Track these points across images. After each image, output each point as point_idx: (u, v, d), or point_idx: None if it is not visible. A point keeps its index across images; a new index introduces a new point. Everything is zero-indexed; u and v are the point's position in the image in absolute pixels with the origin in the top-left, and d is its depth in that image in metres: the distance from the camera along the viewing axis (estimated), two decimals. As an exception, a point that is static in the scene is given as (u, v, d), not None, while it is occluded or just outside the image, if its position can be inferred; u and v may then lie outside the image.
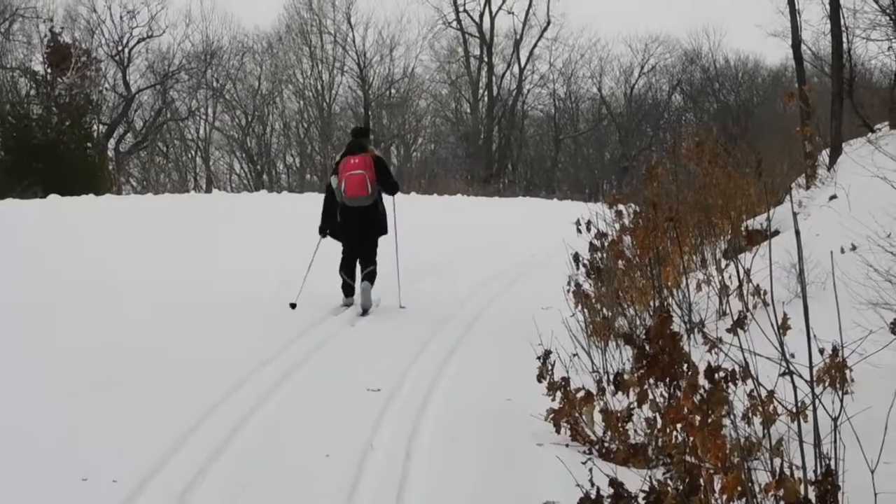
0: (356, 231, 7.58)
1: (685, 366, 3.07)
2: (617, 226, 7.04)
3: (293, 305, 7.26)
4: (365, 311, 7.35)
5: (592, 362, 4.83)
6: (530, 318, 5.78)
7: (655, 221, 5.57)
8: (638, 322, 5.60)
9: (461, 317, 7.27)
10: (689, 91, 40.27)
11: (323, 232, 7.80)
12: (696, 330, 5.50)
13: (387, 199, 7.83)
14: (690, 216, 7.54)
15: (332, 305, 7.44)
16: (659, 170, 6.90)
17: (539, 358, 4.20)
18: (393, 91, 38.84)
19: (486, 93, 39.41)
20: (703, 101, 40.32)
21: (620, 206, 7.36)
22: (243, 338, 6.10)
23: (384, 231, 7.73)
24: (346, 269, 7.66)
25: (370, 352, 6.05)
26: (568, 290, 6.02)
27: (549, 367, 4.18)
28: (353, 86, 38.72)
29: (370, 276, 7.52)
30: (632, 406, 3.71)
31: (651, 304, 5.67)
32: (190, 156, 37.77)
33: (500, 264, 10.14)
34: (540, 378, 4.17)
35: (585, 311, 5.82)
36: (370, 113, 37.56)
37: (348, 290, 7.61)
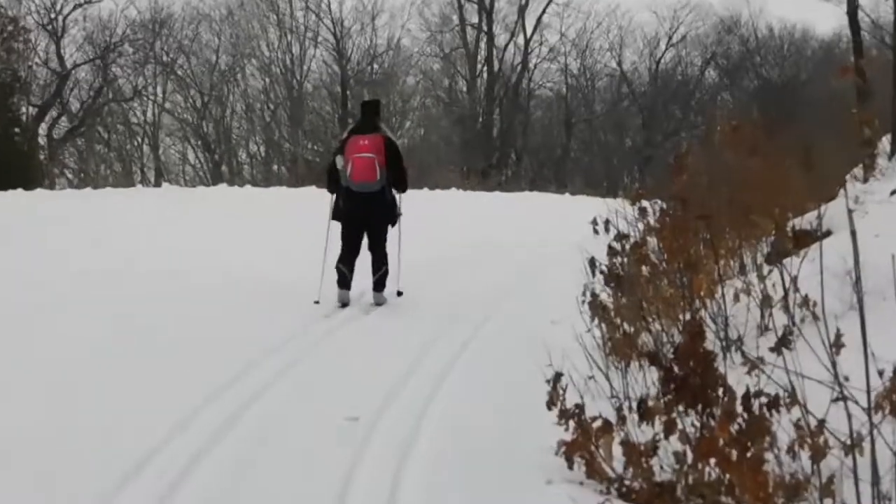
0: (362, 219, 8.01)
1: (720, 390, 3.08)
2: (640, 226, 7.05)
3: (317, 302, 7.88)
4: (378, 304, 8.06)
5: (611, 386, 4.84)
6: (538, 334, 5.76)
7: (685, 221, 5.59)
8: (665, 339, 5.61)
9: (455, 333, 7.28)
10: (725, 66, 40.49)
11: (337, 215, 8.14)
12: (733, 348, 5.50)
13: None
14: (726, 214, 7.54)
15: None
16: (689, 159, 6.93)
17: (548, 381, 4.21)
18: (375, 66, 39.05)
19: (485, 68, 39.51)
20: (741, 78, 40.55)
21: (644, 203, 7.38)
22: (190, 366, 6.10)
23: (393, 221, 8.17)
24: (345, 264, 8.02)
25: (353, 368, 6.08)
26: (582, 301, 6.03)
27: (561, 392, 4.18)
28: (328, 60, 38.86)
29: (381, 280, 8.09)
30: (657, 437, 3.71)
31: (680, 317, 5.68)
32: (136, 143, 37.85)
33: (501, 271, 10.15)
34: (550, 405, 4.17)
35: (603, 325, 5.82)
36: (348, 92, 37.66)
37: (343, 281, 8.00)
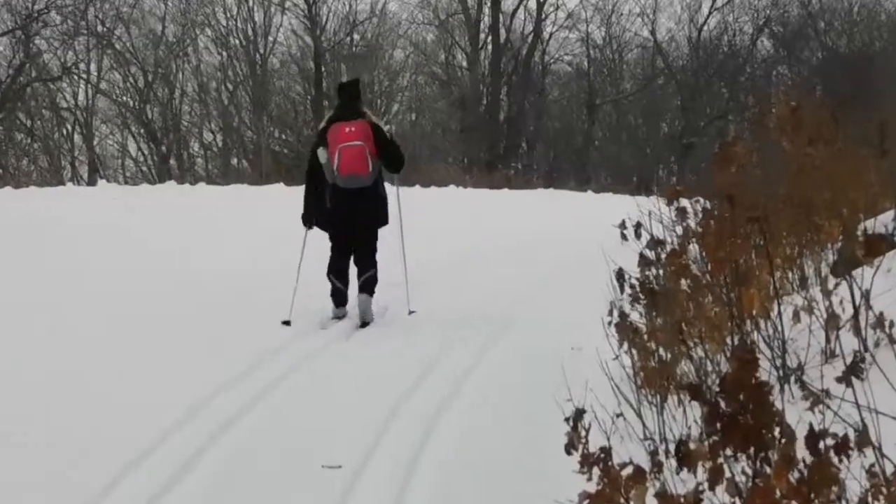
0: (351, 220, 8.29)
1: (777, 430, 3.09)
2: (678, 230, 7.06)
3: (287, 323, 8.06)
4: (364, 324, 8.25)
5: (644, 425, 4.85)
6: (556, 361, 5.77)
7: (733, 223, 5.59)
8: (709, 368, 5.62)
9: (455, 360, 7.29)
10: (781, 34, 40.58)
11: (309, 222, 8.52)
12: (792, 378, 5.51)
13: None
14: (784, 215, 7.56)
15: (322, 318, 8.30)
16: (738, 148, 6.93)
17: (568, 419, 4.21)
18: (356, 37, 39.11)
19: (489, 38, 39.55)
20: (800, 49, 40.65)
21: (683, 202, 7.39)
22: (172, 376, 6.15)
23: (384, 220, 8.48)
24: (337, 271, 8.34)
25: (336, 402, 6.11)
26: (608, 323, 6.04)
27: (583, 433, 4.19)
28: (298, 29, 38.89)
29: (369, 285, 8.32)
30: (701, 488, 3.72)
31: (728, 341, 5.69)
32: (65, 132, 37.70)
33: (511, 285, 10.17)
34: (570, 449, 4.18)
35: (633, 351, 5.82)
36: (323, 69, 37.71)
37: (339, 297, 8.35)
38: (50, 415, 5.79)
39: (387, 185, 8.64)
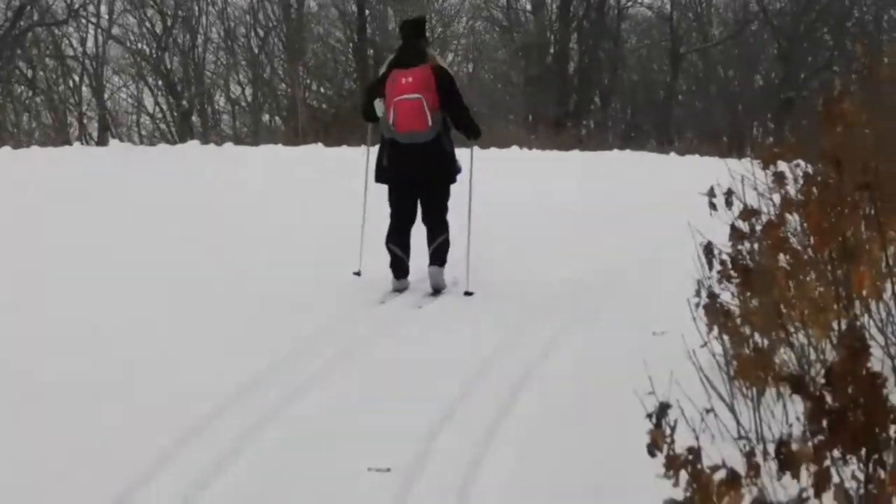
0: (414, 177, 8.46)
1: (892, 429, 3.07)
2: (776, 198, 7.02)
3: (358, 273, 8.80)
4: (437, 292, 8.66)
5: (738, 423, 4.84)
6: (634, 348, 5.75)
7: (840, 191, 5.55)
8: (813, 356, 5.59)
9: (522, 347, 7.31)
10: (896, -29, 39.95)
11: (381, 175, 8.64)
12: (910, 369, 5.48)
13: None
14: (899, 181, 7.50)
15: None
16: (845, 105, 6.87)
17: (650, 416, 4.21)
18: (405, -25, 38.91)
19: (558, -23, 39.35)
20: (920, -12, 39.98)
21: (782, 166, 7.34)
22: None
23: (453, 177, 8.63)
24: (397, 239, 8.54)
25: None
26: (696, 305, 6.02)
27: (668, 432, 4.19)
28: (338, -34, 38.76)
29: (441, 253, 8.62)
30: (805, 495, 3.71)
31: (834, 326, 5.66)
32: (72, 84, 37.83)
33: (583, 261, 10.15)
34: (653, 449, 4.18)
35: (725, 337, 5.81)
36: (367, 12, 37.68)
37: (399, 268, 8.57)
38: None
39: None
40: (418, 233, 8.79)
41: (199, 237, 10.96)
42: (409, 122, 8.13)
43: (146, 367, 6.61)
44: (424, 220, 8.66)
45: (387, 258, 8.58)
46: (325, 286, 8.74)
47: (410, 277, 8.72)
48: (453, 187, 8.76)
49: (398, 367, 6.90)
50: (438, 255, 8.58)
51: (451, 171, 8.54)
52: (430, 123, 8.15)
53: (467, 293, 8.63)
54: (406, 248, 8.52)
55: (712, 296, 6.04)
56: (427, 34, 8.78)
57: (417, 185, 8.48)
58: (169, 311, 8.08)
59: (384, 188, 8.72)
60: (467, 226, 8.79)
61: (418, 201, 8.59)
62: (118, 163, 17.60)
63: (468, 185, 8.87)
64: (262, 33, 39.09)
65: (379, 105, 8.31)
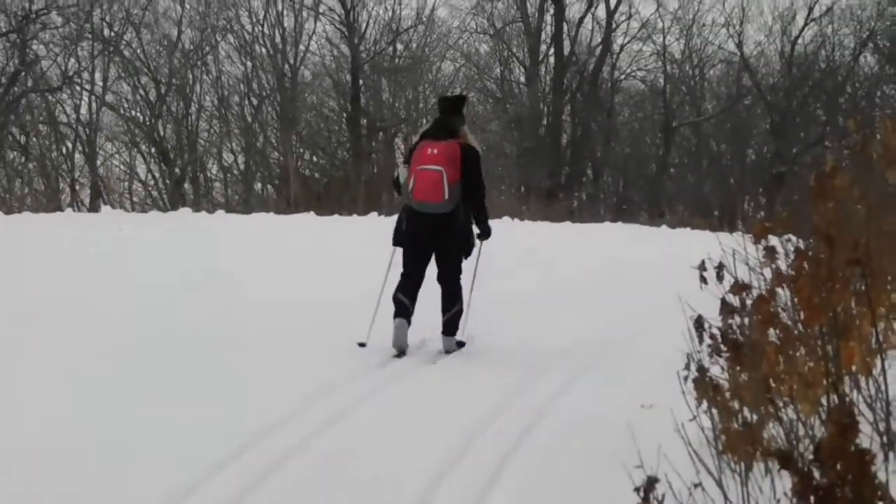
0: (426, 243, 8.72)
1: (880, 506, 3.05)
2: (767, 272, 7.03)
3: (362, 344, 8.70)
4: (448, 352, 8.82)
5: (726, 498, 4.80)
6: (622, 421, 5.73)
7: (831, 266, 5.56)
8: (801, 432, 5.58)
9: (509, 417, 7.29)
10: (886, 49, 40.35)
11: (398, 238, 8.87)
12: (899, 446, 5.46)
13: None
14: (889, 258, 7.51)
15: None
16: (837, 180, 6.90)
17: (638, 489, 4.19)
18: (399, 47, 39.35)
19: (551, 51, 39.70)
20: (911, 65, 40.38)
21: (773, 240, 7.35)
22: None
23: (467, 251, 8.86)
24: (405, 292, 8.72)
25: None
26: (685, 378, 6.01)
27: (655, 506, 4.16)
28: (333, 38, 39.21)
29: (452, 325, 8.87)
30: (792, 573, 3.68)
31: (823, 402, 5.65)
32: (65, 151, 37.93)
33: (573, 332, 10.14)
34: (639, 524, 4.16)
35: (714, 411, 5.79)
36: (361, 82, 37.90)
37: (403, 310, 8.63)
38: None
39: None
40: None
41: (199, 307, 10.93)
42: (426, 193, 8.37)
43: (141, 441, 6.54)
44: (439, 278, 8.85)
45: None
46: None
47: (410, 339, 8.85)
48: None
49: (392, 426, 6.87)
50: (450, 327, 8.85)
51: (464, 244, 8.79)
52: (446, 196, 8.36)
53: (460, 344, 9.02)
54: (412, 300, 8.71)
55: (702, 369, 6.03)
56: (464, 111, 9.01)
57: (430, 251, 8.76)
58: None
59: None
60: (471, 286, 9.13)
61: (429, 264, 8.88)
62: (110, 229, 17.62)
63: (472, 276, 9.22)
64: (255, 102, 39.30)
65: (403, 171, 8.63)
